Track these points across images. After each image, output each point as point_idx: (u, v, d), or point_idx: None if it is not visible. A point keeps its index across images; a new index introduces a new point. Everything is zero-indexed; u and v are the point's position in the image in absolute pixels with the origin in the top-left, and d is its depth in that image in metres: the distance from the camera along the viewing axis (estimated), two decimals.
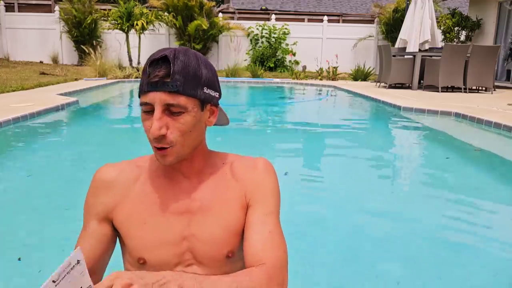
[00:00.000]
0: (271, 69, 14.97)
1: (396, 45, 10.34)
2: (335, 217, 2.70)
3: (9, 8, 16.31)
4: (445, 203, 3.01)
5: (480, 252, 2.27)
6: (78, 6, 14.00)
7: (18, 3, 17.77)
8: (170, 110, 0.83)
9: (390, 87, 9.88)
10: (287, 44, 15.36)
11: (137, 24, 12.39)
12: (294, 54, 15.27)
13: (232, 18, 17.12)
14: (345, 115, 7.59)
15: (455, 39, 12.66)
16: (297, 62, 15.31)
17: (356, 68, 12.90)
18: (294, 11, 19.78)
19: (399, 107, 6.82)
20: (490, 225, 2.69)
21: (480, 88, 9.44)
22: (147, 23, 12.68)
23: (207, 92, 0.88)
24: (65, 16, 14.14)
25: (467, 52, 8.83)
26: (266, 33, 15.26)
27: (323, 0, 21.22)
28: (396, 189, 3.47)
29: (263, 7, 19.53)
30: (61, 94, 7.38)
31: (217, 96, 0.92)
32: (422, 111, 6.52)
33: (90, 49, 12.31)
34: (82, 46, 13.44)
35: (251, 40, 15.36)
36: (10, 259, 1.99)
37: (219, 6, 18.84)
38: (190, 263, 0.92)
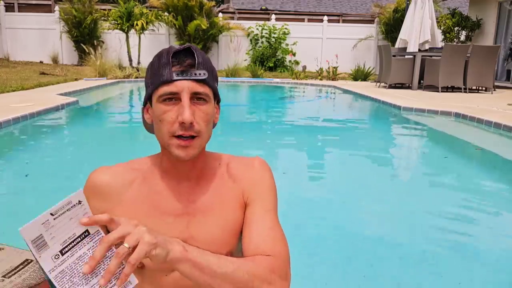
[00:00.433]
0: (271, 69, 14.97)
1: (396, 45, 10.34)
2: (334, 216, 2.69)
3: (9, 8, 16.31)
4: (446, 202, 3.00)
5: (481, 252, 2.26)
6: (78, 6, 13.99)
7: (18, 3, 17.76)
8: (195, 99, 0.85)
9: (390, 87, 9.88)
10: (287, 44, 15.36)
11: (137, 24, 12.38)
12: (294, 54, 15.26)
13: (232, 18, 17.11)
14: (345, 115, 7.59)
15: (455, 39, 12.65)
16: (297, 62, 15.31)
17: (356, 68, 12.90)
18: (294, 11, 19.77)
19: (399, 107, 6.82)
20: (491, 224, 2.69)
21: (480, 88, 9.43)
22: (147, 23, 12.67)
23: (216, 86, 0.92)
24: (65, 16, 14.13)
25: (467, 52, 8.83)
26: (266, 33, 15.25)
27: (323, 0, 21.21)
28: (396, 189, 3.46)
29: (263, 7, 19.52)
30: (61, 94, 7.38)
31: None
32: (422, 111, 6.52)
33: (90, 49, 12.32)
34: (82, 46, 13.45)
35: (251, 40, 15.35)
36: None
37: (219, 6, 18.84)
38: None
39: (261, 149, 4.50)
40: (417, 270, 2.06)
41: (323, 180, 3.61)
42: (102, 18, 13.59)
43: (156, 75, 0.85)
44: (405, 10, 11.36)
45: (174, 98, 0.85)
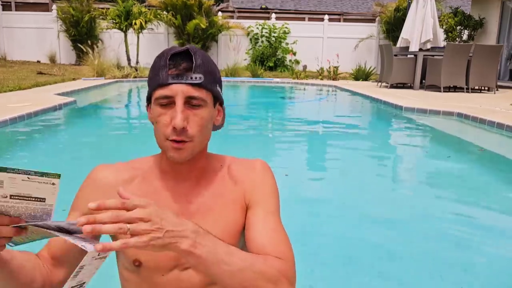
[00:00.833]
0: (271, 68, 14.89)
1: (398, 45, 10.28)
2: (335, 216, 2.69)
3: (6, 7, 16.20)
4: (447, 202, 3.01)
5: (482, 252, 2.27)
6: (76, 5, 13.90)
7: (15, 2, 17.68)
8: (190, 104, 0.85)
9: (392, 87, 9.80)
10: (287, 44, 15.28)
11: (135, 23, 12.29)
12: (294, 54, 15.18)
13: (232, 17, 17.04)
14: (346, 116, 7.54)
15: (457, 38, 12.59)
16: (297, 62, 15.22)
17: (357, 67, 12.83)
18: (295, 10, 19.72)
19: (400, 107, 6.76)
20: (492, 225, 2.68)
21: (483, 88, 9.38)
22: (145, 22, 12.57)
23: (218, 89, 0.91)
24: (63, 15, 14.04)
25: (469, 51, 8.77)
26: (266, 32, 15.17)
27: None
28: (398, 189, 3.46)
29: (263, 6, 19.47)
30: (59, 94, 7.32)
31: (222, 96, 0.95)
32: (424, 111, 6.45)
33: (88, 49, 12.23)
34: (80, 46, 13.36)
35: (251, 39, 15.27)
36: None
37: (218, 5, 18.76)
38: (187, 266, 0.90)
39: (261, 149, 4.48)
40: (417, 270, 2.06)
41: (323, 180, 3.61)
42: (100, 17, 13.48)
43: (154, 77, 0.87)
44: (406, 9, 11.27)
45: (169, 101, 0.84)
